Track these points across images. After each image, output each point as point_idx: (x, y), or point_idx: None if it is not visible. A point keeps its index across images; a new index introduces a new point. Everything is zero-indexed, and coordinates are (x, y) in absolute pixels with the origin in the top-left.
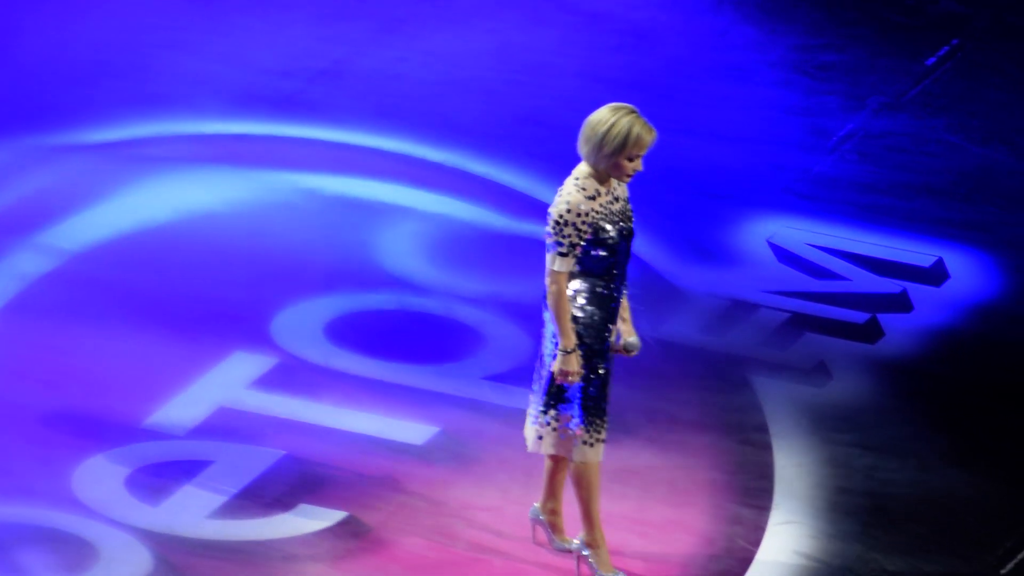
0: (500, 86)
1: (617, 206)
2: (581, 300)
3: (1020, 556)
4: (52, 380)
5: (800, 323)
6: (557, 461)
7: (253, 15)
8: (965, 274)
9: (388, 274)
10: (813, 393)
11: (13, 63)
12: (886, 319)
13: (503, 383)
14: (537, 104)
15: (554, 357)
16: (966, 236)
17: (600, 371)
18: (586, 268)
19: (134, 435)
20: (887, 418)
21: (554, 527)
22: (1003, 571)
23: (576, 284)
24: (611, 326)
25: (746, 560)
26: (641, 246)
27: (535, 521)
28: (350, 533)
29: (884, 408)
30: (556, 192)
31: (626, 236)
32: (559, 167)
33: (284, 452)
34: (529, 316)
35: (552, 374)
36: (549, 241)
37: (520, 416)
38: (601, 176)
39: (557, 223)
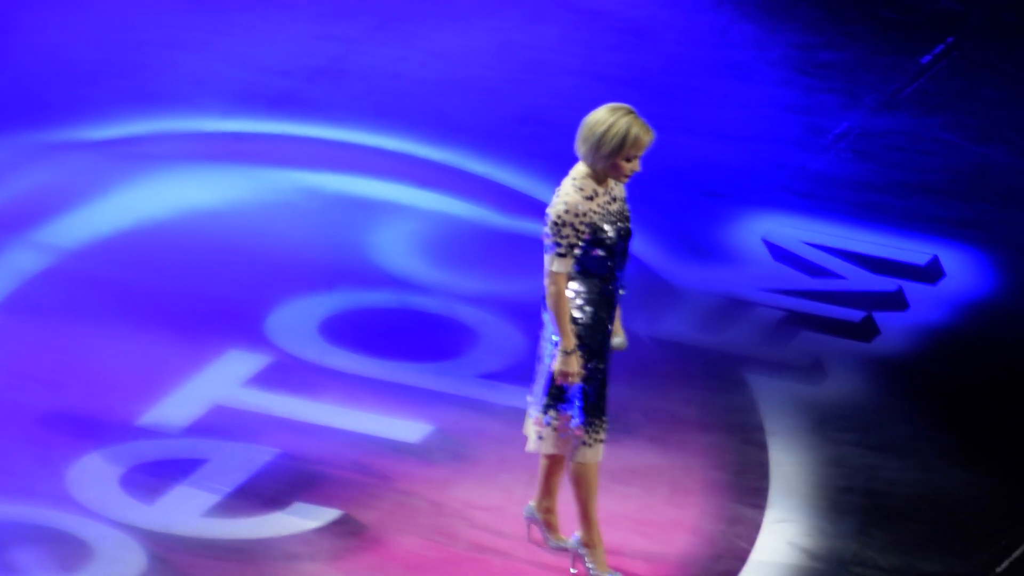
0: (500, 84)
1: (615, 206)
2: (580, 300)
3: (1016, 554)
4: (47, 378)
5: (796, 321)
6: (553, 460)
7: (253, 14)
8: (961, 272)
9: (383, 272)
10: (809, 391)
11: (13, 61)
12: (882, 317)
13: (499, 381)
14: (537, 103)
15: (554, 358)
16: (962, 234)
17: (600, 371)
18: (585, 268)
19: (129, 433)
20: (883, 416)
21: (549, 526)
22: (999, 569)
23: (575, 285)
24: (610, 326)
25: (744, 559)
26: (637, 244)
27: (531, 520)
28: (346, 531)
29: (880, 406)
30: (554, 192)
31: (624, 236)
32: (558, 166)
33: (279, 450)
34: (525, 315)
35: (552, 374)
36: (547, 242)
37: (516, 414)
38: (599, 176)
39: (555, 224)
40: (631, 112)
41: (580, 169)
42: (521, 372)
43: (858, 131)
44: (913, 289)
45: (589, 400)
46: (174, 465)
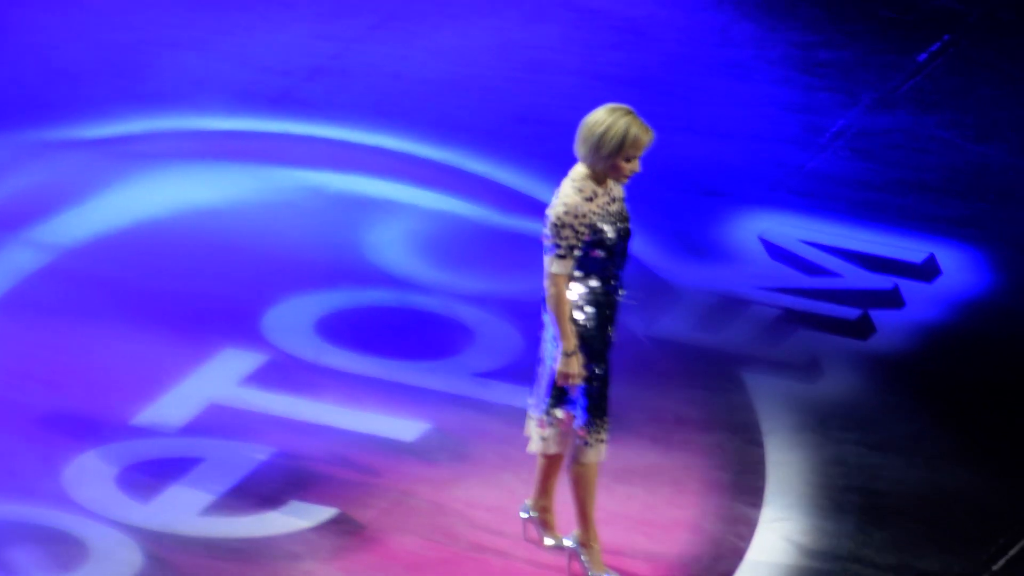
0: (500, 83)
1: (615, 207)
2: (581, 301)
3: (1012, 552)
4: (42, 377)
5: (792, 319)
6: (552, 460)
7: (252, 13)
8: (957, 270)
9: (380, 271)
10: (805, 390)
11: (13, 60)
12: (878, 315)
13: (495, 380)
14: (537, 102)
15: (555, 359)
16: (958, 232)
17: (602, 372)
18: (585, 270)
19: (125, 432)
20: (880, 415)
21: (545, 524)
22: (995, 567)
23: (575, 285)
24: (611, 327)
25: (742, 558)
26: (635, 243)
27: (526, 518)
28: (342, 530)
29: (877, 405)
30: (554, 192)
31: (624, 236)
32: (558, 165)
33: (275, 449)
34: (521, 313)
35: (554, 376)
36: (547, 244)
37: (513, 412)
38: (598, 177)
39: (555, 225)
40: (630, 112)
41: (579, 170)
42: (518, 371)
43: (855, 130)
44: (909, 287)
45: (591, 400)
46: (170, 464)
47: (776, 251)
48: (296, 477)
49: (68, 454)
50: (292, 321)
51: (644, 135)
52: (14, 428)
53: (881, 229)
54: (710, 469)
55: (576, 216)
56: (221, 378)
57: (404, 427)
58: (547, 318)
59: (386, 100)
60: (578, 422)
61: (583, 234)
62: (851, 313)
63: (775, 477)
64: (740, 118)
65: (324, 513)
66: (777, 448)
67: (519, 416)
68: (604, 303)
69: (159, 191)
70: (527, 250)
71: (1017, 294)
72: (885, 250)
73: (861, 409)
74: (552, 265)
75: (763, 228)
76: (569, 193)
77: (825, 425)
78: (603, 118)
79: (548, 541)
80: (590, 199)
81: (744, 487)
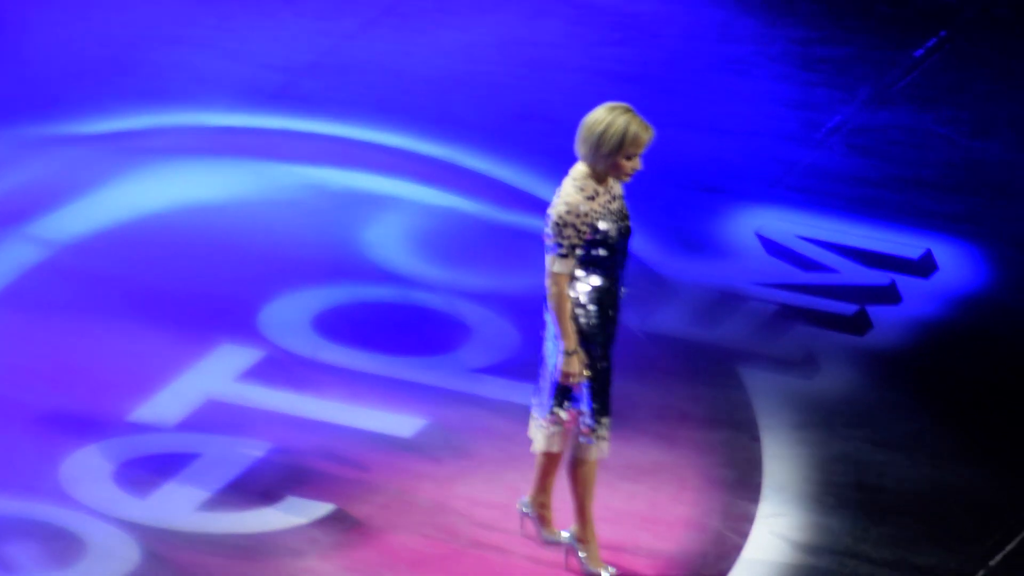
0: (501, 80)
1: (615, 205)
2: (583, 300)
3: (1009, 548)
4: (39, 372)
5: (789, 315)
6: (552, 457)
7: (254, 10)
8: (954, 266)
9: (378, 267)
10: (802, 386)
11: (17, 56)
12: (875, 311)
13: (491, 376)
14: (538, 99)
15: (557, 359)
16: (955, 228)
17: (604, 370)
18: (587, 268)
19: (122, 428)
20: (877, 411)
21: (543, 520)
22: (992, 563)
23: (577, 284)
24: (613, 325)
25: (739, 554)
26: (632, 239)
27: (524, 514)
28: (338, 526)
29: (874, 401)
30: (555, 190)
31: (625, 235)
32: (560, 162)
33: (272, 445)
34: (518, 310)
35: (557, 375)
36: (549, 243)
37: (509, 408)
38: (599, 176)
39: (557, 225)
40: (629, 110)
41: (580, 169)
42: (515, 367)
43: (851, 125)
44: (906, 283)
45: (594, 398)
46: (167, 460)
47: (773, 247)
48: (293, 473)
49: (65, 450)
50: (289, 317)
51: (644, 133)
52: (11, 424)
53: (878, 225)
54: (710, 466)
55: (578, 215)
56: (218, 374)
57: (402, 423)
58: (548, 317)
59: (387, 96)
60: (583, 420)
61: (585, 233)
62: (848, 309)
63: (772, 473)
64: (739, 114)
65: (321, 509)
66: (774, 444)
67: (517, 412)
68: (606, 301)
69: (157, 187)
70: (524, 246)
71: (1013, 289)
72: (882, 246)
73: (858, 405)
74: (554, 264)
75: (760, 224)
76: (571, 192)
77: (822, 421)
78: (603, 117)
79: (546, 537)
80: (592, 198)
81: (743, 484)
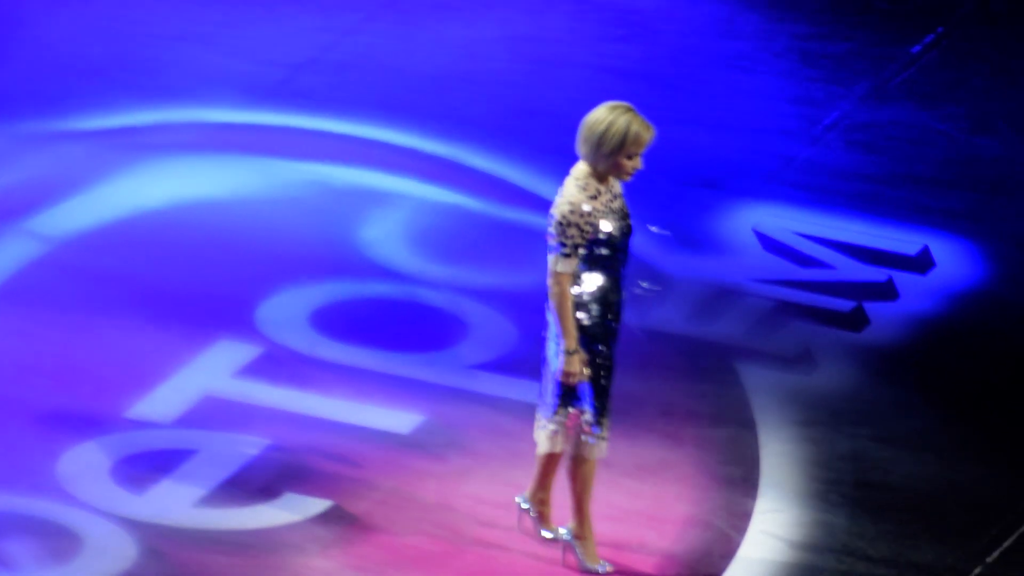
0: (505, 77)
1: (616, 203)
2: (586, 299)
3: (1006, 544)
4: (37, 369)
5: (786, 311)
6: (553, 455)
7: (256, 6)
8: (951, 262)
9: (374, 264)
10: (799, 382)
11: (20, 53)
12: (872, 307)
13: (488, 372)
14: (541, 95)
15: (559, 358)
16: (952, 224)
17: (606, 369)
18: (589, 267)
19: (119, 424)
20: (873, 407)
21: (542, 516)
22: (989, 559)
23: (579, 283)
24: (615, 324)
25: (735, 550)
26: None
27: (522, 509)
28: (336, 522)
29: (871, 397)
30: (556, 187)
31: (626, 233)
32: (563, 159)
33: (269, 441)
34: (516, 306)
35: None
36: (552, 243)
37: (505, 404)
38: (600, 175)
39: (560, 224)
40: (631, 110)
41: (581, 168)
42: (512, 363)
43: (849, 121)
44: (903, 279)
45: (597, 398)
46: (164, 456)
47: (770, 243)
48: (290, 469)
49: (62, 446)
50: (287, 313)
51: (645, 132)
52: (8, 420)
53: (875, 221)
54: (705, 463)
55: (581, 215)
56: (215, 370)
57: (399, 419)
58: (550, 317)
59: (388, 93)
60: (587, 419)
61: (588, 232)
62: (845, 305)
63: (769, 470)
64: (738, 110)
65: (318, 505)
66: (770, 441)
67: (513, 407)
68: (608, 300)
69: (156, 183)
70: (525, 243)
71: (1010, 285)
72: (879, 242)
73: (855, 402)
74: (557, 264)
75: (757, 220)
76: (573, 192)
77: (819, 418)
78: (604, 116)
79: (543, 533)
80: (594, 197)
81: (747, 481)
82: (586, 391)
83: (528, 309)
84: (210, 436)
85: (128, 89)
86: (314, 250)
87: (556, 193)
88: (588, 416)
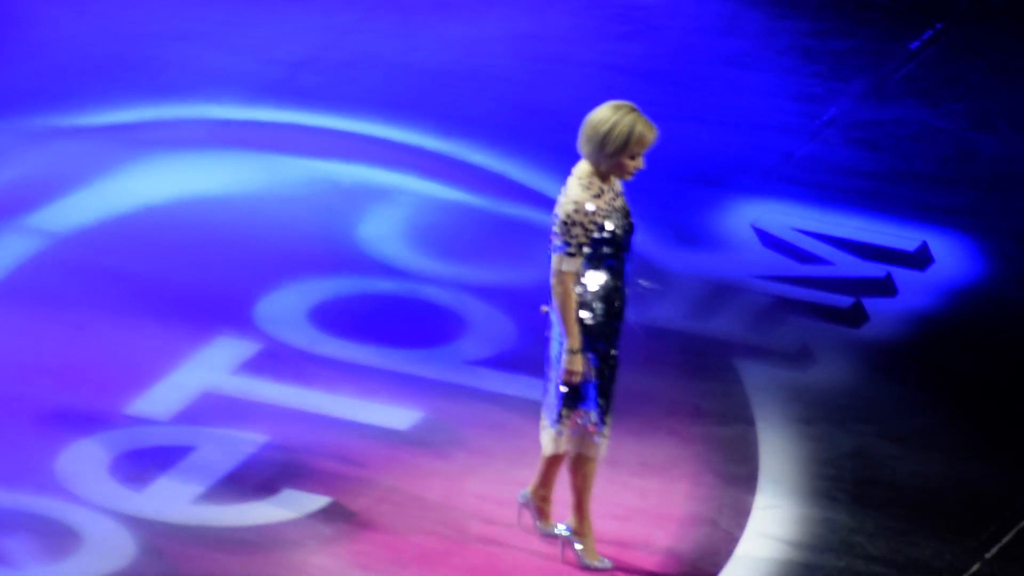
0: (507, 74)
1: (619, 202)
2: (589, 298)
3: (1004, 541)
4: (36, 365)
5: (784, 308)
6: (556, 455)
7: (257, 3)
8: (950, 258)
9: (373, 260)
10: (797, 378)
11: (23, 51)
12: (871, 303)
13: (487, 368)
14: (544, 93)
15: (562, 357)
16: (951, 220)
17: (609, 368)
18: (593, 266)
19: (118, 421)
20: (872, 403)
21: (542, 513)
22: (987, 555)
23: (583, 283)
24: (619, 323)
25: (734, 546)
26: None
27: (523, 506)
28: (335, 519)
29: (870, 394)
30: (558, 185)
31: (629, 232)
32: (564, 156)
33: (268, 438)
34: (515, 302)
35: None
36: (556, 242)
37: (505, 400)
38: (603, 174)
39: (564, 223)
40: (634, 110)
41: (584, 168)
42: (507, 359)
43: (848, 118)
44: (902, 275)
45: (600, 397)
46: (163, 452)
47: (769, 239)
48: (290, 466)
49: (61, 442)
50: (286, 310)
51: (648, 132)
52: (7, 416)
53: (874, 217)
54: (711, 461)
55: (585, 214)
56: (215, 366)
57: (398, 415)
58: (554, 316)
59: (390, 90)
60: (591, 419)
61: (592, 231)
62: (844, 301)
63: (767, 467)
64: (740, 107)
65: (317, 502)
66: (770, 438)
67: (512, 403)
68: (612, 299)
69: (156, 179)
70: (527, 240)
71: (1009, 282)
72: (878, 238)
73: (854, 398)
74: (561, 263)
75: (756, 216)
76: (577, 191)
77: (817, 414)
78: (607, 116)
79: (543, 529)
80: (598, 196)
81: (745, 479)
82: (590, 391)
83: (528, 305)
84: (209, 433)
85: (130, 86)
86: (314, 246)
87: (557, 191)
88: (592, 416)
